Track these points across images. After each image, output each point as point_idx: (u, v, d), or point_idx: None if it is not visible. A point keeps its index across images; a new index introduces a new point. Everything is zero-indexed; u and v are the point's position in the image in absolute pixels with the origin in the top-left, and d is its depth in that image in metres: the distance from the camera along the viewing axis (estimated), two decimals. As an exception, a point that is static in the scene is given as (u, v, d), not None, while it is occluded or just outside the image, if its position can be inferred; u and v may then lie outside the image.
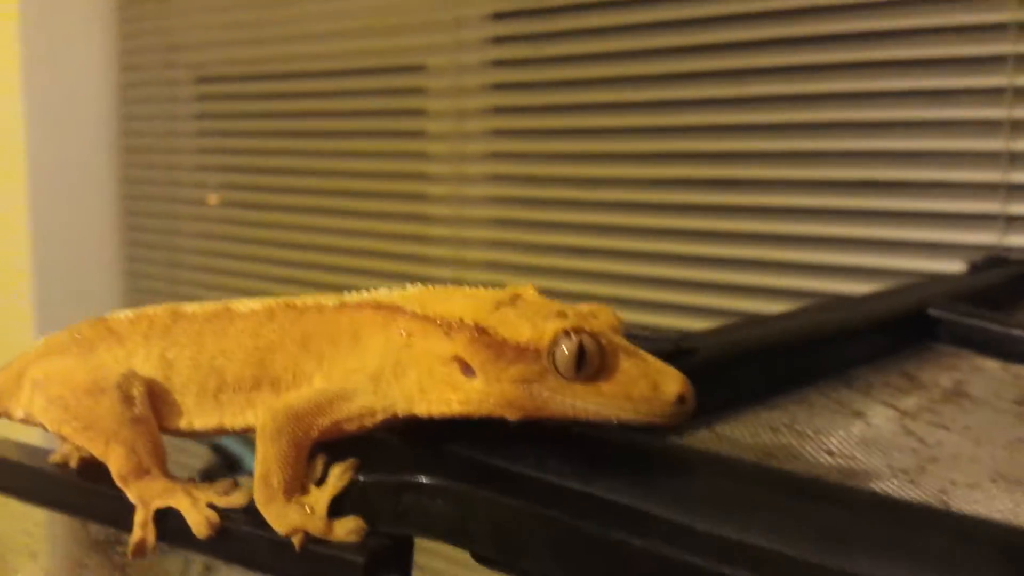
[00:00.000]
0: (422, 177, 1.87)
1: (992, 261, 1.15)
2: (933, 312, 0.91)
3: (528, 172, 1.72)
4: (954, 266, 1.18)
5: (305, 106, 2.04)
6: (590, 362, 0.43)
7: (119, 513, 0.51)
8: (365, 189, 1.96)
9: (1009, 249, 1.25)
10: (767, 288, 1.45)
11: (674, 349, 0.66)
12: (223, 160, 2.26)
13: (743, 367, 0.71)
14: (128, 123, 2.42)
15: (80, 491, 0.54)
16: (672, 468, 0.44)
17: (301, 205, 2.07)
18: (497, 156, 1.77)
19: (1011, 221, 1.26)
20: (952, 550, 0.36)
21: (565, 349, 0.43)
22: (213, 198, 2.26)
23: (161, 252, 2.37)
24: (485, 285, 0.50)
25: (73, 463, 0.56)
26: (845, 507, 0.39)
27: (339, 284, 1.94)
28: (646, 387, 0.43)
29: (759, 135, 1.44)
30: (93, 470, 0.53)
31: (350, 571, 0.44)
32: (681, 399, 0.43)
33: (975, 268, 1.14)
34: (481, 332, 0.45)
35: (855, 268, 1.37)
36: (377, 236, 1.93)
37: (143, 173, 2.42)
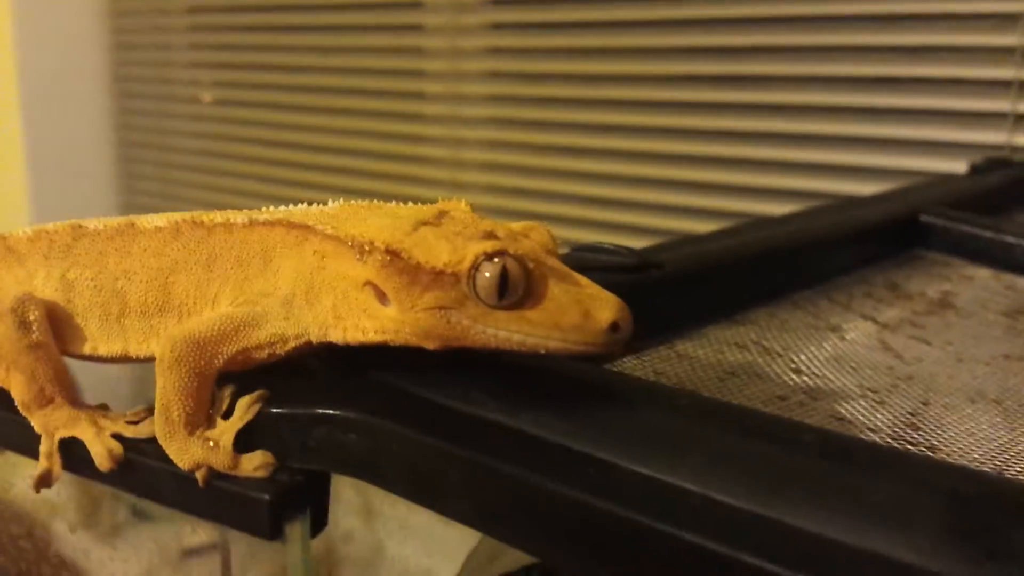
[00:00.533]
0: (419, 96, 1.82)
1: (993, 162, 1.10)
2: (925, 218, 0.87)
3: (525, 92, 1.67)
4: (961, 167, 1.13)
5: (303, 20, 1.98)
6: (514, 288, 0.39)
7: (28, 441, 0.48)
8: (361, 107, 1.90)
9: (1017, 149, 1.20)
10: (767, 188, 1.40)
11: (638, 262, 0.62)
12: (217, 57, 2.20)
13: (713, 280, 0.67)
14: (120, 19, 2.35)
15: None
16: (606, 401, 0.40)
17: (295, 103, 2.01)
18: (494, 75, 1.72)
19: (1020, 120, 1.21)
20: (897, 498, 0.32)
21: (486, 273, 0.39)
22: (207, 95, 2.20)
23: (154, 152, 2.33)
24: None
25: (-14, 389, 0.53)
26: (785, 446, 0.36)
27: (338, 186, 1.92)
28: (576, 314, 0.39)
29: (758, 29, 1.37)
30: (5, 396, 0.50)
31: (255, 508, 0.41)
32: (615, 326, 0.39)
33: (975, 170, 1.10)
34: (393, 255, 0.40)
35: (859, 168, 1.32)
36: (373, 156, 1.89)
37: (136, 71, 2.36)
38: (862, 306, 0.73)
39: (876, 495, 0.33)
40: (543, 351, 0.40)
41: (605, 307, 0.39)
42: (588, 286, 0.40)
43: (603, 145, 1.56)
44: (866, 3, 1.28)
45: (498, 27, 1.69)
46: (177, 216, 0.48)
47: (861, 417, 0.53)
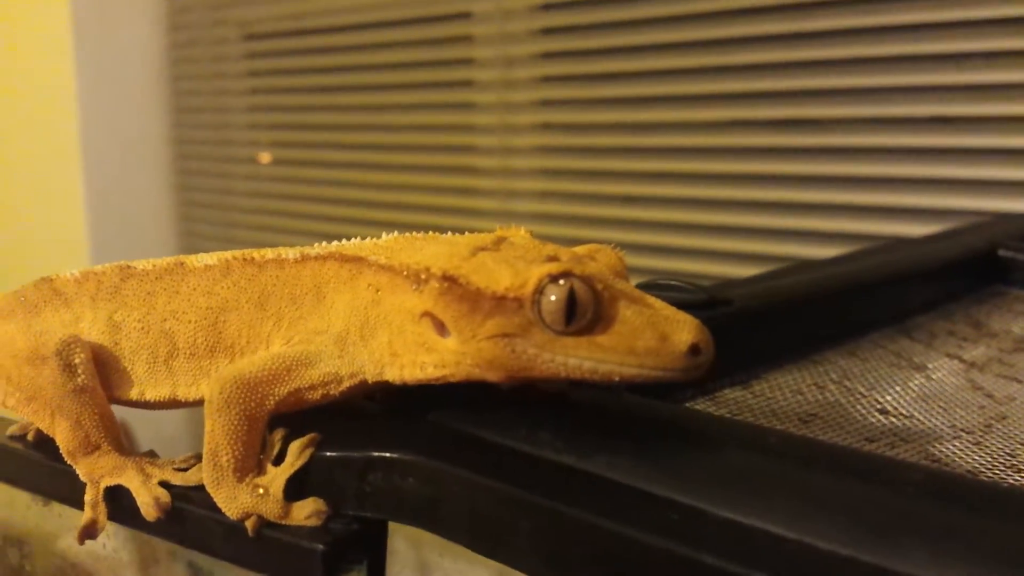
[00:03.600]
0: (470, 128, 1.81)
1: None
2: (1004, 253, 0.83)
3: (576, 120, 1.64)
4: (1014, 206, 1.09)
5: (352, 60, 1.99)
6: (582, 311, 0.36)
7: (73, 491, 0.46)
8: (413, 142, 1.90)
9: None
10: (825, 232, 1.36)
11: (707, 299, 0.59)
12: (273, 118, 2.22)
13: (785, 317, 0.64)
14: (178, 83, 2.39)
15: (33, 466, 0.49)
16: (686, 439, 0.37)
17: (351, 160, 2.02)
18: (545, 104, 1.70)
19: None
20: (1019, 541, 0.28)
21: (552, 297, 0.36)
22: (265, 156, 2.23)
23: (214, 211, 2.35)
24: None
25: (31, 435, 0.51)
26: (891, 487, 0.32)
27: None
28: (652, 337, 0.36)
29: (814, 72, 1.34)
30: (51, 444, 0.48)
31: (308, 559, 0.38)
32: (695, 349, 0.36)
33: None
34: (451, 282, 0.38)
35: (917, 209, 1.27)
36: (427, 190, 1.88)
37: (195, 133, 2.39)
38: (945, 344, 0.69)
39: (997, 540, 0.29)
40: (617, 379, 0.36)
41: (683, 328, 0.36)
42: (662, 308, 0.37)
43: (654, 192, 1.53)
44: (926, 43, 1.25)
45: (547, 80, 1.69)
46: (228, 254, 0.46)
47: (957, 459, 0.50)
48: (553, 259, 0.38)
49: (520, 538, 0.35)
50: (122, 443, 0.46)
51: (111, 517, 0.45)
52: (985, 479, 0.43)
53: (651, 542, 0.32)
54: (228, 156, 2.30)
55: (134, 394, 0.47)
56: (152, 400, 0.46)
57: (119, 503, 0.45)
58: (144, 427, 0.49)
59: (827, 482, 0.33)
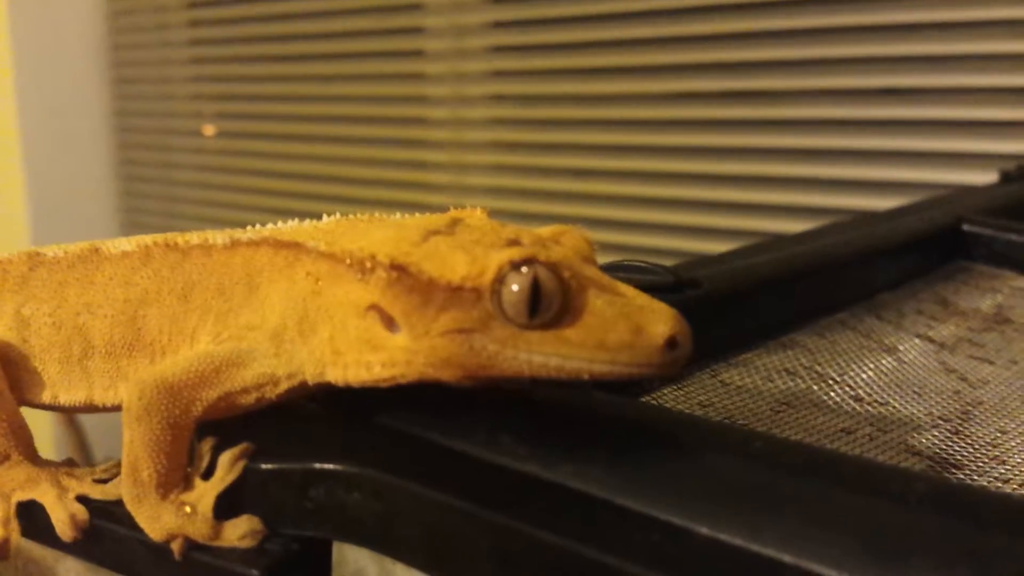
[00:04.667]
0: (421, 100, 1.76)
1: (1026, 170, 1.04)
2: (968, 227, 0.81)
3: (530, 91, 1.61)
4: (985, 178, 1.07)
5: (299, 28, 1.93)
6: (548, 302, 0.32)
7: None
8: (363, 114, 1.85)
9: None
10: (786, 206, 1.34)
11: (673, 281, 0.55)
12: (217, 89, 2.15)
13: (755, 300, 0.61)
14: (119, 52, 2.30)
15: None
16: (664, 447, 0.33)
17: (299, 133, 1.96)
18: (498, 75, 1.66)
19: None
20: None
21: (514, 286, 0.32)
22: (209, 128, 2.15)
23: (157, 185, 2.28)
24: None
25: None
26: (893, 499, 0.29)
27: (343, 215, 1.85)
28: (625, 330, 0.32)
29: (777, 42, 1.32)
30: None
31: (243, 586, 0.34)
32: (672, 342, 0.33)
33: (1007, 178, 1.04)
34: (400, 271, 0.34)
35: (880, 182, 1.26)
36: (377, 163, 1.83)
37: (136, 105, 2.31)
38: (915, 324, 0.67)
39: (1012, 558, 0.26)
40: (587, 377, 0.33)
41: (659, 320, 0.33)
42: (635, 296, 0.34)
43: (611, 166, 1.50)
44: (888, 13, 1.23)
45: (500, 49, 1.64)
46: (148, 239, 0.41)
47: (939, 451, 0.47)
48: (514, 243, 0.34)
49: (481, 559, 0.32)
50: (35, 452, 0.42)
51: (25, 534, 0.41)
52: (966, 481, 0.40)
53: (628, 567, 0.29)
54: (171, 128, 2.24)
55: (46, 397, 0.42)
56: (66, 404, 0.42)
57: (34, 519, 0.40)
58: (100, 418, 0.45)
59: (822, 495, 0.30)
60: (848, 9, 1.26)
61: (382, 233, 0.36)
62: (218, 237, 0.40)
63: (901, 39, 1.23)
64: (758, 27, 1.33)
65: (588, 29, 1.50)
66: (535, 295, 0.32)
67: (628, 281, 0.56)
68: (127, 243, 0.42)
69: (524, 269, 0.32)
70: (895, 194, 1.20)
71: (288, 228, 0.40)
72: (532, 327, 0.33)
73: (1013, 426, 0.51)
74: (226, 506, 0.36)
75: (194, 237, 0.40)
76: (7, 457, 0.41)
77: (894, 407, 0.53)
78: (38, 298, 0.42)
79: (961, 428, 0.51)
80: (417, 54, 1.75)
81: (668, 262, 0.66)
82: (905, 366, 0.59)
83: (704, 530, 0.28)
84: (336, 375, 0.36)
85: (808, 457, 0.32)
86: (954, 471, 0.44)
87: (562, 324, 0.33)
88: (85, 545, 0.39)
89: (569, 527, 0.30)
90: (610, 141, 1.51)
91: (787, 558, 0.27)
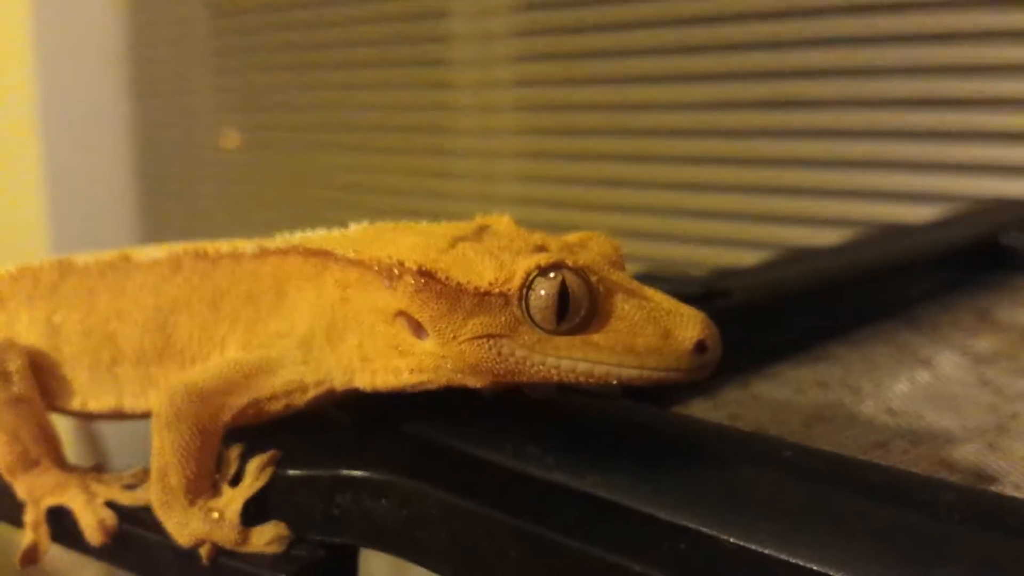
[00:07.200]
0: (447, 108, 1.75)
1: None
2: (1005, 240, 0.80)
3: (555, 99, 1.59)
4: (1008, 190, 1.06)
5: (323, 37, 1.93)
6: (576, 307, 0.32)
7: (12, 508, 0.42)
8: (389, 123, 1.84)
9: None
10: (818, 217, 1.32)
11: (704, 292, 0.55)
12: (240, 99, 2.15)
13: (786, 311, 0.61)
14: (141, 63, 2.31)
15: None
16: (693, 456, 0.33)
17: (323, 142, 1.96)
18: (526, 83, 1.65)
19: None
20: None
21: (542, 292, 0.32)
22: (232, 138, 2.17)
23: (179, 195, 2.29)
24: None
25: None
26: (923, 509, 0.29)
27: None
28: (653, 334, 0.32)
29: (810, 49, 1.30)
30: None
31: (269, 592, 0.34)
32: (701, 346, 0.32)
33: (1047, 189, 1.02)
34: (428, 277, 0.34)
35: (915, 193, 1.24)
36: (402, 172, 1.82)
37: (158, 115, 2.32)
38: (950, 336, 0.66)
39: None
40: (615, 381, 0.33)
41: (688, 324, 0.32)
42: (663, 300, 0.34)
43: (640, 176, 1.49)
44: (924, 19, 1.22)
45: (526, 57, 1.64)
46: (178, 247, 0.42)
47: (973, 464, 0.46)
48: (541, 249, 0.34)
49: (508, 568, 0.31)
50: (63, 458, 0.42)
51: (55, 539, 0.41)
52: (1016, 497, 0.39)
53: (656, 574, 0.28)
54: (193, 139, 2.24)
55: (76, 404, 0.43)
56: (95, 411, 0.42)
57: (63, 524, 0.41)
58: (119, 427, 0.45)
59: (851, 504, 0.29)
60: (882, 16, 1.24)
61: (409, 240, 0.36)
62: (247, 246, 0.40)
63: (937, 46, 1.21)
64: (789, 34, 1.32)
65: (615, 36, 1.49)
66: (563, 300, 0.32)
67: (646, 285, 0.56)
68: (157, 251, 0.42)
69: (552, 274, 0.32)
70: (930, 204, 1.18)
71: (316, 236, 0.40)
72: (560, 332, 0.33)
73: (1049, 439, 0.50)
74: (253, 512, 0.36)
75: (224, 246, 0.41)
76: (37, 463, 0.41)
77: (928, 420, 0.52)
78: (68, 306, 0.42)
79: (996, 442, 0.50)
80: (443, 62, 1.75)
81: (698, 274, 0.66)
82: (940, 379, 0.58)
83: (732, 539, 0.28)
84: (364, 381, 0.36)
85: (837, 466, 0.31)
86: (988, 485, 0.43)
87: (590, 329, 0.33)
88: (113, 550, 0.39)
89: (596, 536, 0.30)
90: (638, 150, 1.50)
91: (815, 567, 0.27)
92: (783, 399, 0.53)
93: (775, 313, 0.59)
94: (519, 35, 1.63)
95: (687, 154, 1.45)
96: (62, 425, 0.44)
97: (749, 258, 0.92)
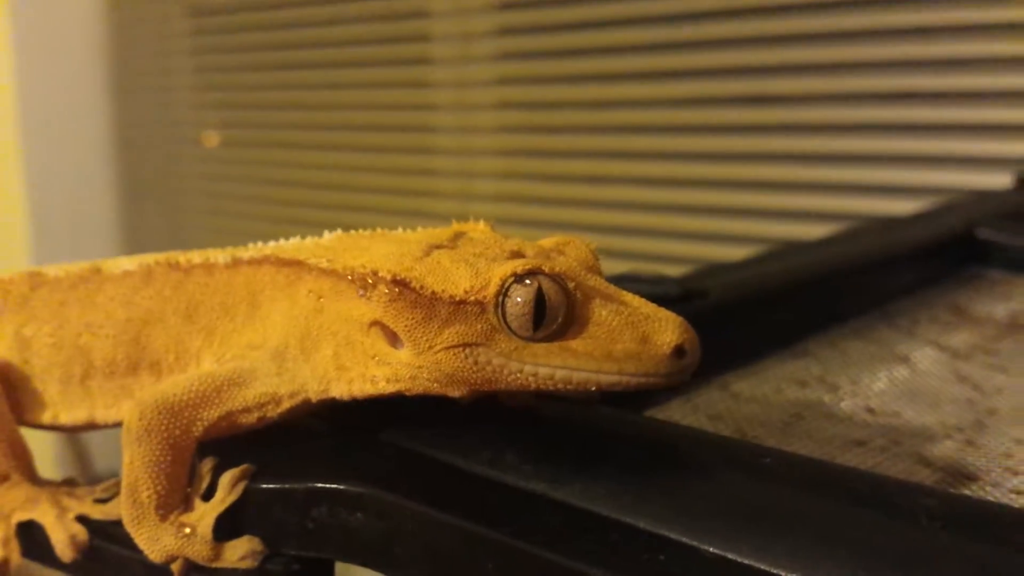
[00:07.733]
0: (427, 107, 1.75)
1: (1043, 174, 1.03)
2: (982, 234, 0.80)
3: (536, 97, 1.60)
4: (1000, 181, 1.06)
5: (303, 36, 1.92)
6: (553, 313, 0.32)
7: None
8: (368, 122, 1.84)
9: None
10: (798, 211, 1.33)
11: (681, 292, 0.55)
12: (220, 98, 2.14)
13: (764, 309, 0.60)
14: (121, 62, 2.30)
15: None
16: (673, 463, 0.33)
17: (304, 141, 1.96)
18: (505, 81, 1.65)
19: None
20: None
21: (518, 299, 0.32)
22: (211, 138, 2.15)
23: (160, 196, 2.27)
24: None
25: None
26: (905, 516, 0.29)
27: (348, 223, 1.84)
28: (632, 340, 0.32)
29: (788, 46, 1.31)
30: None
31: (244, 608, 0.33)
32: (679, 351, 0.32)
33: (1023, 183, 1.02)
34: (402, 286, 0.33)
35: (893, 186, 1.25)
36: (383, 171, 1.82)
37: (138, 115, 2.31)
38: (927, 332, 0.66)
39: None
40: (593, 388, 0.32)
41: (666, 328, 0.32)
42: (641, 305, 0.33)
43: (622, 172, 1.49)
44: (901, 15, 1.22)
45: (506, 56, 1.63)
46: (149, 258, 0.41)
47: (952, 462, 0.47)
48: (517, 255, 0.34)
49: (485, 581, 0.31)
50: (34, 472, 0.41)
51: (26, 555, 0.40)
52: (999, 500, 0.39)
53: (636, 587, 0.28)
54: (173, 137, 2.23)
55: (47, 417, 0.42)
56: (67, 424, 0.41)
57: (34, 539, 0.40)
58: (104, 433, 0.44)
59: (833, 512, 0.29)
60: (860, 12, 1.25)
61: (384, 248, 0.35)
62: (220, 256, 0.39)
63: (914, 42, 1.22)
64: (768, 31, 1.32)
65: (594, 35, 1.49)
66: (540, 307, 0.32)
67: (635, 292, 0.55)
68: (128, 262, 0.41)
69: (528, 281, 0.32)
70: (908, 198, 1.18)
71: (290, 245, 0.39)
72: (537, 339, 0.32)
73: (1026, 435, 0.50)
74: (227, 527, 0.36)
75: (196, 256, 0.40)
76: (6, 477, 0.41)
77: (907, 417, 0.52)
78: (39, 318, 0.42)
79: (975, 438, 0.50)
80: (423, 61, 1.74)
81: (678, 269, 0.65)
82: (918, 375, 0.58)
83: (712, 549, 0.28)
84: (341, 390, 0.36)
85: (817, 473, 0.31)
86: (968, 483, 0.43)
87: (567, 335, 0.33)
88: (85, 566, 0.38)
89: (575, 547, 0.30)
90: (618, 147, 1.50)
91: (797, 578, 0.26)
92: (762, 398, 0.53)
93: (753, 311, 0.59)
94: (499, 34, 1.63)
95: (667, 151, 1.46)
96: (45, 435, 0.44)
97: (730, 254, 0.92)
